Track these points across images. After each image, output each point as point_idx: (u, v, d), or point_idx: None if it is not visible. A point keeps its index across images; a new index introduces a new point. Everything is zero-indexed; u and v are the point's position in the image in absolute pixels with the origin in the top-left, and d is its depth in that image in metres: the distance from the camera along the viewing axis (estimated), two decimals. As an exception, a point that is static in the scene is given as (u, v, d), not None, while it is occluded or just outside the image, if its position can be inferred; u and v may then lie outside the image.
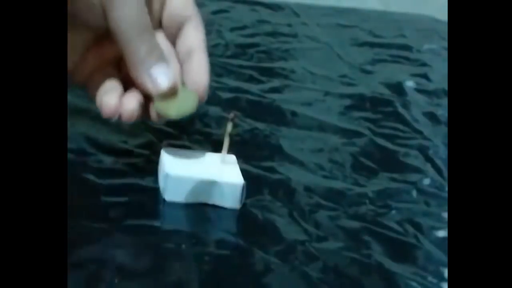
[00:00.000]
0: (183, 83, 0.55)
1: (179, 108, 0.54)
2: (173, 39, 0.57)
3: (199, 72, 0.56)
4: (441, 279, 0.52)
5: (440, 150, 0.69)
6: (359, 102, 0.76)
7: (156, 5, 0.57)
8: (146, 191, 0.54)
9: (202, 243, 0.50)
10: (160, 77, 0.54)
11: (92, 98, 0.55)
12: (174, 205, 0.52)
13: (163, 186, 0.53)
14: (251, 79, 0.75)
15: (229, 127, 0.54)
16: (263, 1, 0.97)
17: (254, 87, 0.74)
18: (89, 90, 0.55)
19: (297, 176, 0.60)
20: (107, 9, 0.53)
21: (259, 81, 0.75)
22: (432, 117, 0.76)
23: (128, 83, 0.55)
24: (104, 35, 0.55)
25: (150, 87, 0.54)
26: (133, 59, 0.54)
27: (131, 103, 0.54)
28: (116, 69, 0.56)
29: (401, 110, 0.76)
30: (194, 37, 0.57)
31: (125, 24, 0.54)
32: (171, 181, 0.52)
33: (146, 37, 0.54)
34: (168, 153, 0.55)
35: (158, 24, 0.58)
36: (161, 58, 0.54)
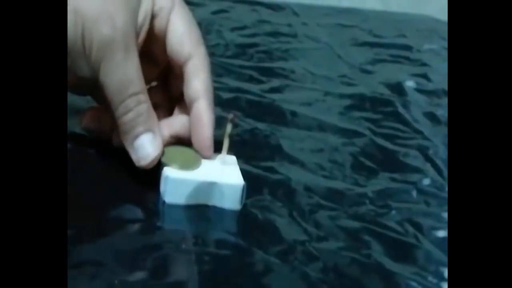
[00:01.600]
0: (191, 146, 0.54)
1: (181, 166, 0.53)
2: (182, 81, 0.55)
3: (200, 129, 0.54)
4: (441, 279, 0.52)
5: (440, 150, 0.69)
6: (359, 102, 0.76)
7: (161, 46, 0.55)
8: (146, 191, 0.54)
9: (202, 243, 0.50)
10: (143, 149, 0.52)
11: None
12: (174, 205, 0.52)
13: (163, 188, 0.53)
14: (251, 79, 0.75)
15: (229, 127, 0.54)
16: (263, 1, 0.97)
17: (254, 87, 0.74)
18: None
19: (297, 176, 0.60)
20: (94, 69, 0.51)
21: (259, 81, 0.75)
22: (432, 117, 0.76)
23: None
24: None
25: (134, 159, 0.52)
26: (119, 126, 0.52)
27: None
28: None
29: (401, 110, 0.76)
30: (196, 81, 0.54)
31: (111, 87, 0.51)
32: (171, 184, 0.52)
33: (133, 103, 0.51)
34: None
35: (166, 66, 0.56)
36: (147, 127, 0.52)
